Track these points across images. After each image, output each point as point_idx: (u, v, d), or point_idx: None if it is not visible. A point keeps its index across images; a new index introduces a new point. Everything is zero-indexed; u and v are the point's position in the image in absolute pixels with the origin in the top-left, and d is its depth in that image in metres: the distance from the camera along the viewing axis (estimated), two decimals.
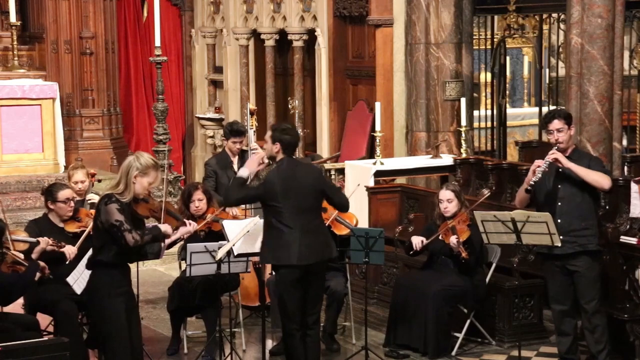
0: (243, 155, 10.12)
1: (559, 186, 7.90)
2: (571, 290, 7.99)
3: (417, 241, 8.85)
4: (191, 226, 7.50)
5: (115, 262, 6.88)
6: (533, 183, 7.86)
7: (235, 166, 10.14)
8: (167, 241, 7.26)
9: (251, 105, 10.35)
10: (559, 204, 7.89)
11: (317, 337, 8.00)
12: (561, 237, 7.81)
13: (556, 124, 7.87)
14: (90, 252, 7.32)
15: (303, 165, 8.08)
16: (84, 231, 8.48)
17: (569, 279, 7.98)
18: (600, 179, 7.81)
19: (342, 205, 8.06)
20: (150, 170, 6.84)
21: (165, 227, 7.00)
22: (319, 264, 7.81)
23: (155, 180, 6.88)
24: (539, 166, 7.84)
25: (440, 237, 8.79)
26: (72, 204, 8.61)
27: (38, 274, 7.68)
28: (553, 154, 7.81)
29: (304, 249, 7.66)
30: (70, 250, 8.29)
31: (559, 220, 7.84)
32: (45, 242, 8.18)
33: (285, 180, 7.70)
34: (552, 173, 7.91)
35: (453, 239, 8.63)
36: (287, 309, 7.80)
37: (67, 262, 8.23)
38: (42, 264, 7.80)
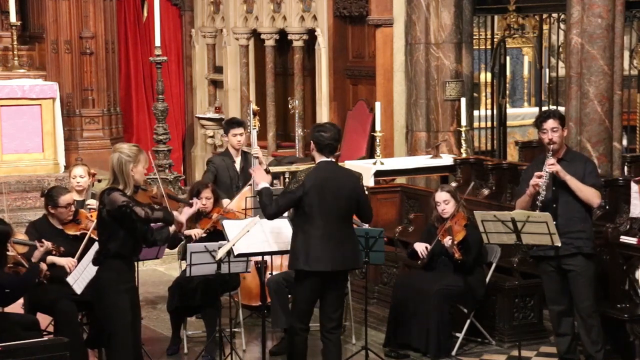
0: (246, 157, 10.10)
1: (554, 188, 7.92)
2: (567, 290, 8.01)
3: (421, 248, 8.84)
4: (196, 205, 7.55)
5: (123, 252, 6.96)
6: (540, 203, 7.86)
7: (237, 166, 10.12)
8: (182, 218, 7.35)
9: (254, 105, 10.32)
10: (554, 205, 7.92)
11: (338, 341, 7.81)
12: None
13: (551, 123, 7.94)
14: (94, 247, 7.36)
15: (342, 171, 7.94)
16: (84, 234, 8.46)
17: (564, 279, 8.00)
18: (590, 197, 7.89)
19: (368, 218, 7.99)
20: (140, 156, 7.07)
21: (178, 215, 7.14)
22: (339, 273, 7.69)
23: (146, 162, 7.11)
24: (540, 177, 7.86)
25: (439, 238, 8.79)
26: (73, 208, 8.61)
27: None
28: (553, 166, 7.85)
29: (325, 256, 7.53)
30: (70, 264, 8.27)
31: (554, 223, 7.84)
32: (45, 247, 8.18)
33: (323, 185, 7.57)
34: (548, 176, 7.93)
35: (447, 240, 8.64)
36: (299, 308, 7.73)
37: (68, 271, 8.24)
38: (42, 265, 7.83)
